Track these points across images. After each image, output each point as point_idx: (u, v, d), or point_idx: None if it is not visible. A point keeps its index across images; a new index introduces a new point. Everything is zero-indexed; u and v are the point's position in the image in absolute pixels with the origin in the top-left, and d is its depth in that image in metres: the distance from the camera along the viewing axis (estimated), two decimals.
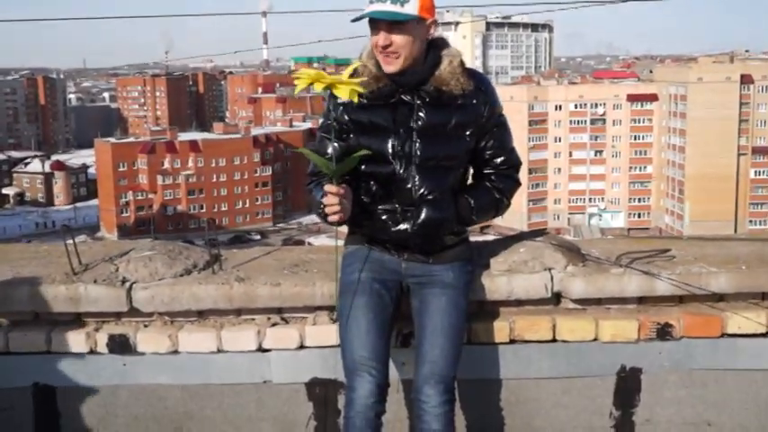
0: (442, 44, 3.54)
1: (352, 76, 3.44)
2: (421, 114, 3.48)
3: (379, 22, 3.33)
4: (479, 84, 3.56)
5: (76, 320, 4.00)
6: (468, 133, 3.53)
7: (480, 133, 3.57)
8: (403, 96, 3.49)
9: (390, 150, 3.48)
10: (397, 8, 3.28)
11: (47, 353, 3.95)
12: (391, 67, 3.40)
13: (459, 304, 3.56)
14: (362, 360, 3.40)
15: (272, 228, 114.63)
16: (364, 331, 3.45)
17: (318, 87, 3.13)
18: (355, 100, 3.24)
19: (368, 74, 3.49)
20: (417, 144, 3.47)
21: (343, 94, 3.15)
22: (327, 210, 3.36)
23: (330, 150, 3.56)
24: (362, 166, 3.50)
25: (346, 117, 3.49)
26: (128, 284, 3.91)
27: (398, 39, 3.34)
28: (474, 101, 3.53)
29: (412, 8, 3.30)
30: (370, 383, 3.38)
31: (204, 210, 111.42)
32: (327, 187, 3.34)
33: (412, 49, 3.38)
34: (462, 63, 3.56)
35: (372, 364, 3.39)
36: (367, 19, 3.35)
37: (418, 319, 3.56)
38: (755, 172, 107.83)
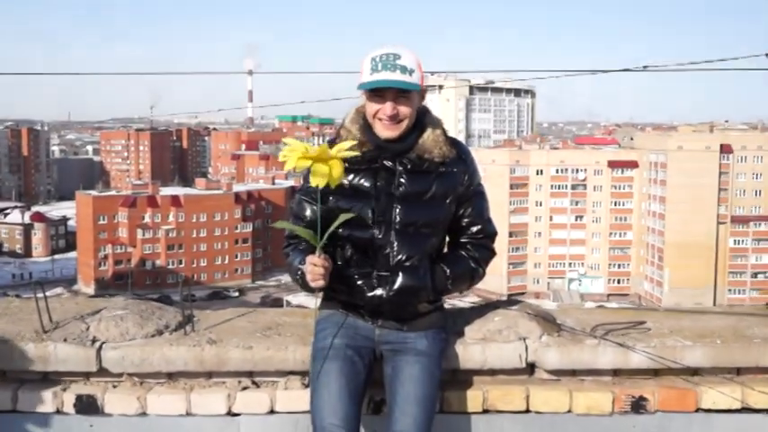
0: (424, 112, 3.58)
1: (334, 140, 3.49)
2: (402, 180, 3.50)
3: (386, 92, 3.40)
4: (461, 153, 3.61)
5: (44, 379, 3.93)
6: (447, 201, 3.56)
7: (459, 202, 3.60)
8: (385, 162, 3.52)
9: (371, 215, 3.49)
10: (406, 78, 3.36)
11: (12, 411, 3.87)
12: (391, 132, 3.46)
13: (432, 373, 3.53)
14: (332, 428, 3.34)
15: (251, 285, 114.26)
16: (335, 397, 3.40)
17: (300, 166, 3.15)
18: (332, 185, 3.22)
19: (351, 139, 3.52)
20: (398, 210, 3.49)
21: (319, 181, 3.18)
22: (309, 278, 3.37)
23: (308, 213, 3.58)
24: (340, 230, 3.50)
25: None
26: (98, 344, 3.86)
27: (404, 108, 3.43)
28: (454, 169, 3.57)
29: (417, 78, 3.40)
30: None
31: (183, 265, 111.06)
32: (311, 258, 3.35)
33: (412, 117, 3.47)
34: (445, 132, 3.61)
35: (342, 431, 3.34)
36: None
37: (390, 386, 3.52)
38: (734, 241, 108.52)
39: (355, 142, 3.32)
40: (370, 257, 3.52)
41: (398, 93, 3.40)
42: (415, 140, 3.53)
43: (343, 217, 3.34)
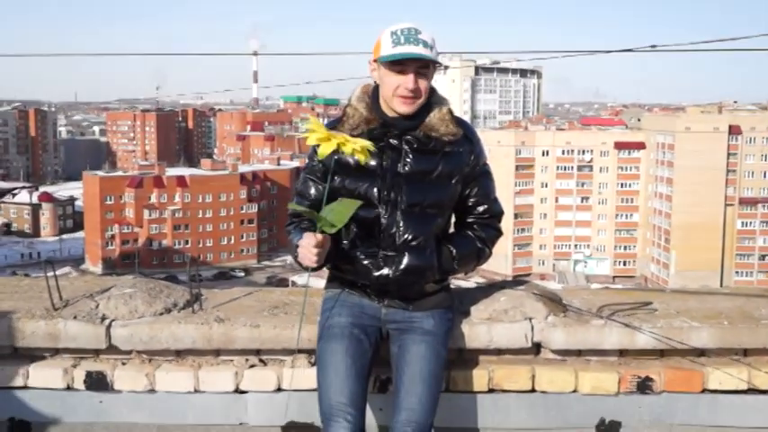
0: (431, 91, 3.58)
1: (341, 119, 3.49)
2: (408, 160, 3.50)
3: (408, 66, 3.39)
4: (467, 133, 3.61)
5: (55, 356, 3.97)
6: (453, 181, 3.56)
7: (465, 182, 3.60)
8: (391, 141, 3.51)
9: (376, 195, 3.49)
10: (428, 52, 3.37)
11: (24, 388, 3.92)
12: (409, 108, 3.46)
13: (438, 352, 3.54)
14: (339, 405, 3.37)
15: (257, 265, 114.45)
16: (342, 376, 3.42)
17: (328, 149, 3.13)
18: (363, 160, 3.22)
19: (358, 117, 3.53)
20: (404, 190, 3.49)
21: (358, 154, 3.16)
22: (301, 256, 3.35)
23: (313, 192, 3.58)
24: None
25: (333, 158, 3.47)
26: (107, 322, 3.89)
27: (423, 83, 3.43)
28: (461, 149, 3.57)
29: (435, 54, 3.41)
30: (345, 429, 3.34)
31: (189, 245, 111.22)
32: (307, 236, 3.33)
33: (427, 93, 3.49)
34: (451, 111, 3.61)
35: (349, 410, 3.36)
36: (378, 63, 3.44)
37: (397, 365, 3.54)
38: (742, 223, 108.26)
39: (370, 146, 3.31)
40: (375, 237, 3.52)
41: (418, 68, 3.41)
42: (423, 118, 3.53)
43: (351, 208, 3.31)
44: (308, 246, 3.32)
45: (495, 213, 3.72)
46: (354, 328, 3.55)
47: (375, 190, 3.49)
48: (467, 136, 3.60)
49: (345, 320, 3.56)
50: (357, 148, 3.14)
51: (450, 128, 3.55)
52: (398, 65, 3.39)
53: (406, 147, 3.51)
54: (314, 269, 3.40)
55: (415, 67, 3.39)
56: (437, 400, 3.48)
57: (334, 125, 3.56)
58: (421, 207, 3.51)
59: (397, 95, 3.44)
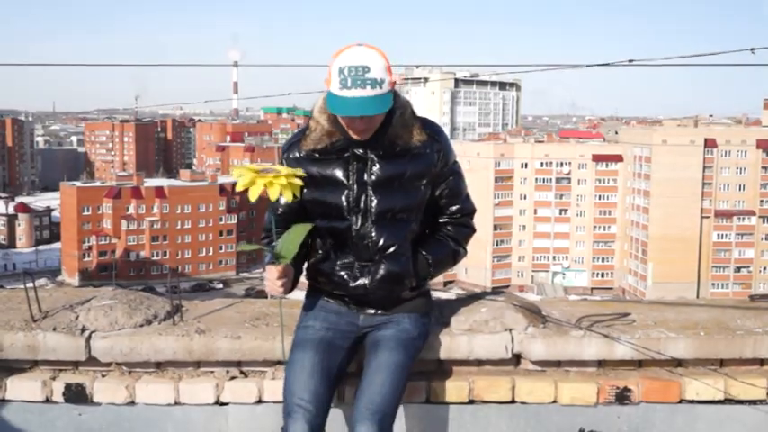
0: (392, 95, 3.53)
1: (304, 131, 3.49)
2: (375, 168, 3.47)
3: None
4: (433, 133, 3.55)
5: (34, 368, 3.95)
6: (423, 183, 3.53)
7: (435, 182, 3.58)
8: (356, 150, 3.48)
9: (345, 205, 3.49)
10: (377, 91, 3.25)
11: (2, 401, 3.89)
12: (363, 136, 3.42)
13: (407, 345, 3.55)
14: (300, 402, 3.36)
15: (235, 277, 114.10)
16: (308, 373, 3.43)
17: (255, 193, 3.18)
18: (290, 199, 3.24)
19: (320, 130, 3.50)
20: (373, 198, 3.48)
21: (285, 192, 3.22)
22: (268, 288, 3.44)
23: (283, 201, 3.49)
24: (318, 221, 3.52)
25: (300, 172, 3.39)
26: (87, 333, 3.87)
27: (376, 119, 3.37)
28: (428, 150, 3.52)
29: (387, 86, 3.29)
30: (302, 423, 3.33)
31: (168, 256, 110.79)
32: (268, 269, 3.40)
33: (383, 116, 3.41)
34: (413, 112, 3.55)
35: (309, 406, 3.35)
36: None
37: (366, 357, 3.57)
38: (718, 235, 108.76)
39: (302, 174, 3.33)
40: (349, 247, 3.53)
41: None
42: (386, 128, 3.45)
43: (301, 233, 3.34)
44: (272, 279, 3.40)
45: (468, 212, 3.72)
46: (328, 332, 3.57)
47: (344, 200, 3.48)
48: (433, 136, 3.54)
49: (320, 326, 3.59)
50: (284, 183, 3.18)
51: (416, 133, 3.49)
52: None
53: (372, 155, 3.48)
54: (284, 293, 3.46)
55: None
56: (401, 390, 3.47)
57: (297, 137, 3.56)
58: (392, 213, 3.49)
59: (348, 128, 3.41)
